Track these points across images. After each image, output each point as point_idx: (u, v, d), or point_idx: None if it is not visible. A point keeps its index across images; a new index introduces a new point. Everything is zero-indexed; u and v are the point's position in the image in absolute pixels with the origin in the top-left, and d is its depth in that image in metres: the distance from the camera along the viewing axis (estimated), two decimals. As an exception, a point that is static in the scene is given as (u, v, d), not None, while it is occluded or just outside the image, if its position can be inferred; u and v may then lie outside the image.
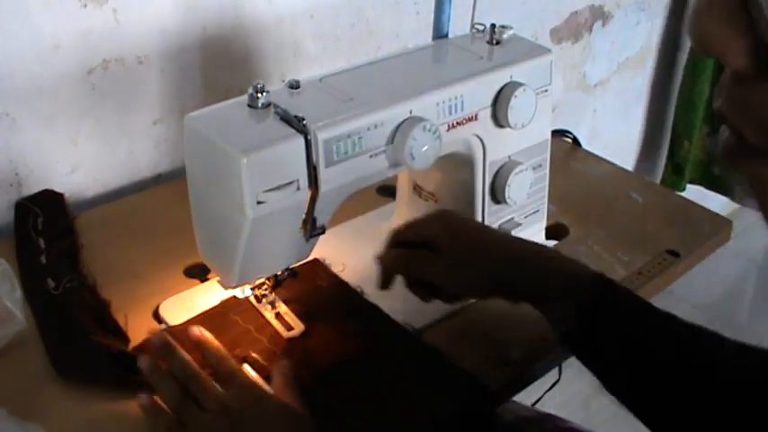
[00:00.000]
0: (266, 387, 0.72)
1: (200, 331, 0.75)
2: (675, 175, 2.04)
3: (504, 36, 0.84)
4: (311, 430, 0.67)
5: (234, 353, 0.76)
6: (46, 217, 0.94)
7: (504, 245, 0.78)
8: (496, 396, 0.76)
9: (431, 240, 0.78)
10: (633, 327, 0.70)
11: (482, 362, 0.77)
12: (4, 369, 0.75)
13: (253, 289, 0.80)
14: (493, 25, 0.84)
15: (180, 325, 0.79)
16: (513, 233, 0.88)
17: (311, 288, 0.85)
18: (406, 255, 0.80)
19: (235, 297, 0.81)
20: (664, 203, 1.07)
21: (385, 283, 0.81)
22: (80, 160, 1.03)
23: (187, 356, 0.72)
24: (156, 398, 0.70)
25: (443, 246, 0.77)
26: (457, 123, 0.78)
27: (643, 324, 0.70)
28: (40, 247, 0.89)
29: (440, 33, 0.87)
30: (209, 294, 0.84)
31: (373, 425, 0.70)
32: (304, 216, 0.71)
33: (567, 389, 1.16)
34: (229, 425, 0.66)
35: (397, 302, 0.84)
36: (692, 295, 1.99)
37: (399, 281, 0.89)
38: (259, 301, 0.81)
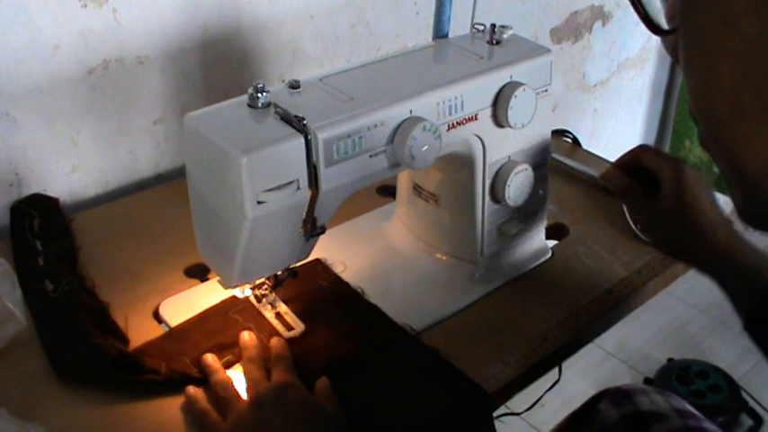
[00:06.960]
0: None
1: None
2: (676, 175, 2.04)
3: (504, 36, 0.84)
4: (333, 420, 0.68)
5: (234, 351, 0.76)
6: (41, 219, 0.94)
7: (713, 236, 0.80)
8: (496, 396, 0.76)
9: (658, 180, 0.83)
10: None
11: (482, 362, 0.78)
12: (4, 369, 0.75)
13: (253, 289, 0.80)
14: (493, 25, 0.84)
15: (181, 324, 0.79)
16: (513, 233, 0.88)
17: (311, 288, 0.85)
18: (631, 186, 0.86)
19: (235, 297, 0.81)
20: (664, 203, 1.07)
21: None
22: (80, 160, 1.03)
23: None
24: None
25: (664, 197, 0.82)
26: (457, 123, 0.78)
27: None
28: (37, 249, 0.89)
29: (440, 33, 0.87)
30: (209, 294, 0.84)
31: (372, 424, 0.70)
32: (304, 216, 0.71)
33: (567, 389, 1.16)
34: (256, 412, 0.68)
35: (397, 304, 0.84)
36: (691, 295, 1.99)
37: (398, 283, 0.89)
38: (259, 301, 0.81)
